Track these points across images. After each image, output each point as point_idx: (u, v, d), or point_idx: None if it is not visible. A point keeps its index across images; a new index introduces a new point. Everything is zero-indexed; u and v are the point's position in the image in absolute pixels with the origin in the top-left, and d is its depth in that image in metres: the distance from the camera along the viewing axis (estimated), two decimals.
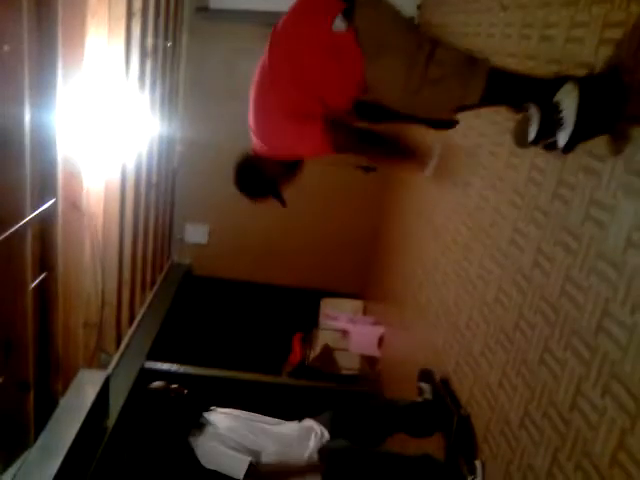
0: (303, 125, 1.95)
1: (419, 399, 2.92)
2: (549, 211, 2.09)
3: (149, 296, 4.78)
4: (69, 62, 2.60)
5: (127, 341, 4.13)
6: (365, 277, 5.46)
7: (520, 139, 2.02)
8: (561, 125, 1.73)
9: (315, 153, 2.05)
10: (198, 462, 2.57)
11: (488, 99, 1.86)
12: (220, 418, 2.74)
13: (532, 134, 1.87)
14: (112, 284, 3.76)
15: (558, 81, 1.77)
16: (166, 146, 4.77)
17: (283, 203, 2.28)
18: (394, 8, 1.92)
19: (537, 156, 2.23)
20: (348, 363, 4.83)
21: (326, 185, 5.08)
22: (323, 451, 2.68)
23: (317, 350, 4.81)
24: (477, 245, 2.78)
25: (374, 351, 4.59)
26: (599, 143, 1.80)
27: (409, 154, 2.75)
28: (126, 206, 3.83)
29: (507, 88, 1.87)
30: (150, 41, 3.89)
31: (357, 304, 5.35)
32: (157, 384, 2.80)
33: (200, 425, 2.66)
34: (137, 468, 3.09)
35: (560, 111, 1.72)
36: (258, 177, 2.24)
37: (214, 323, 5.15)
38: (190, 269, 5.61)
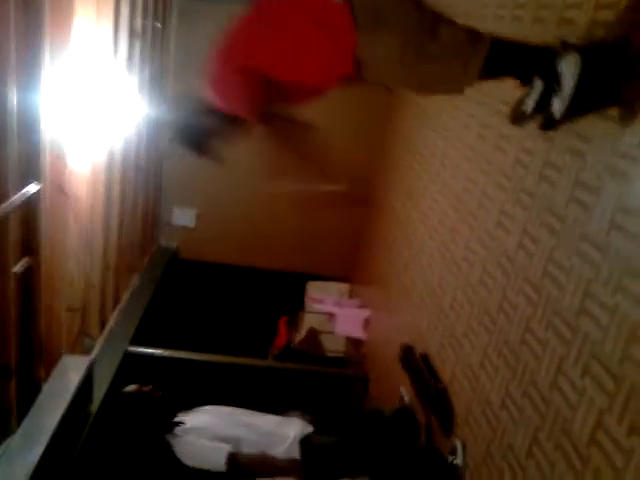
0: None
1: (402, 404, 2.96)
2: (535, 193, 2.11)
3: (134, 280, 4.76)
4: (56, 42, 2.55)
5: (111, 325, 4.12)
6: (351, 260, 5.48)
7: (517, 115, 1.96)
8: (559, 93, 1.68)
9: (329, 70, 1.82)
10: (179, 461, 2.57)
11: (489, 74, 1.80)
12: (198, 415, 2.74)
13: (529, 105, 1.81)
14: (97, 267, 3.74)
15: (561, 50, 1.71)
16: (154, 130, 4.72)
17: (218, 159, 2.10)
18: None
19: (526, 138, 2.24)
20: (333, 346, 4.86)
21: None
22: (304, 441, 2.68)
23: (303, 333, 4.84)
24: (464, 227, 2.80)
25: (359, 334, 4.62)
26: (586, 124, 1.82)
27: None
28: (113, 189, 3.80)
29: (509, 61, 1.79)
30: (139, 22, 3.84)
31: (343, 287, 5.37)
32: (130, 388, 2.79)
33: (177, 424, 2.65)
34: (118, 471, 3.08)
35: (560, 79, 1.67)
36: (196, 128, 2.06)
37: (200, 307, 5.14)
38: (176, 252, 5.59)
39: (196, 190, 5.34)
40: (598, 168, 1.75)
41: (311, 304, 5.05)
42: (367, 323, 4.63)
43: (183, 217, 5.48)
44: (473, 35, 1.77)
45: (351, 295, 5.32)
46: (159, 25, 4.40)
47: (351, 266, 5.48)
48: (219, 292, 5.32)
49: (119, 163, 3.85)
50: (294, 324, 5.03)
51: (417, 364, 2.92)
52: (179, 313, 4.92)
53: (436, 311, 3.00)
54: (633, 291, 1.52)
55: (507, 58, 1.79)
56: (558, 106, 1.71)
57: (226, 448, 2.54)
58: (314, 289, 5.28)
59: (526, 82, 1.85)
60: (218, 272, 5.43)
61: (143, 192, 4.65)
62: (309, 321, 4.90)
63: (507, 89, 2.21)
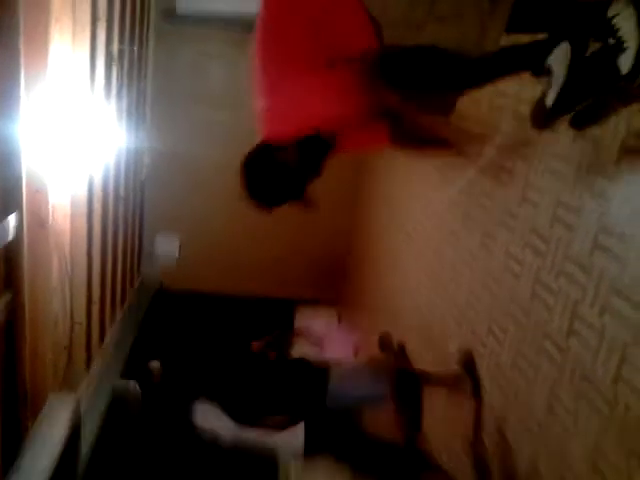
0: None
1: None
2: (518, 214, 2.11)
3: (120, 313, 4.69)
4: (32, 71, 2.52)
5: (98, 361, 4.04)
6: (340, 284, 5.45)
7: (539, 114, 1.63)
8: (621, 49, 1.36)
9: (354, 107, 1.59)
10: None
11: (513, 31, 1.51)
12: None
13: (552, 94, 1.50)
14: (81, 303, 3.68)
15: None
16: (134, 156, 4.69)
17: (309, 204, 1.76)
18: None
19: (506, 160, 2.25)
20: None
21: None
22: None
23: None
24: (448, 249, 2.79)
25: (350, 359, 4.57)
26: (566, 145, 1.83)
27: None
28: (94, 221, 3.75)
29: (538, 13, 1.52)
30: (116, 47, 3.83)
31: (332, 312, 5.34)
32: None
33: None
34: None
35: (616, 31, 1.36)
36: (280, 171, 1.70)
37: (188, 337, 5.07)
38: (161, 283, 5.52)
39: (179, 217, 5.30)
40: (578, 188, 1.75)
41: (300, 330, 5.00)
42: (357, 348, 4.58)
43: (166, 246, 5.43)
44: None
45: (340, 319, 5.28)
46: (137, 49, 4.39)
47: (340, 290, 5.45)
48: (207, 321, 5.25)
49: (99, 194, 3.81)
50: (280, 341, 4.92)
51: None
52: (167, 344, 4.84)
53: (425, 334, 2.98)
54: (620, 311, 1.51)
55: (536, 11, 1.51)
56: (625, 64, 1.40)
57: None
58: (303, 315, 5.23)
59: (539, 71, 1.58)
60: (204, 301, 5.36)
61: (124, 222, 4.60)
62: (299, 348, 4.85)
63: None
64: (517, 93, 2.16)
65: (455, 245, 2.71)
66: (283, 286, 5.42)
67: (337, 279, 5.44)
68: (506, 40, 1.51)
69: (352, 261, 5.21)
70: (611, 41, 1.35)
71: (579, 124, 1.66)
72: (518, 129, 2.17)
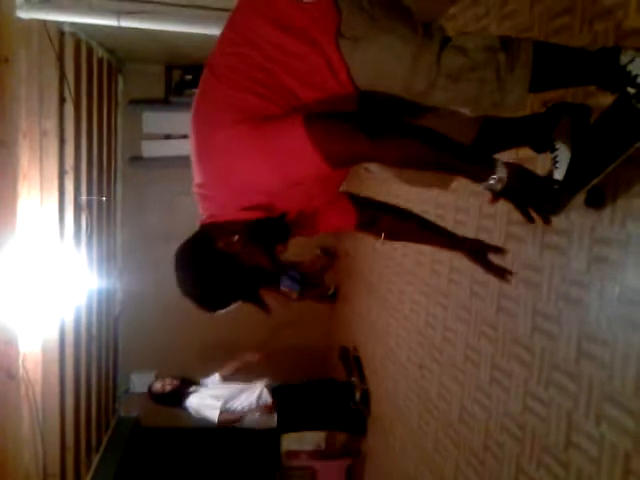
0: (271, 126, 1.22)
1: None
2: (496, 324, 2.12)
3: (95, 459, 4.43)
4: (1, 230, 2.56)
5: None
6: None
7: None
8: None
9: (303, 172, 1.24)
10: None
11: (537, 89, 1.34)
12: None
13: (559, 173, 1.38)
14: (54, 452, 3.49)
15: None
16: (105, 296, 4.65)
17: (265, 307, 1.39)
18: None
19: (476, 268, 2.29)
20: None
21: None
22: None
23: None
24: (434, 365, 2.76)
25: None
26: (534, 255, 1.88)
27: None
28: (66, 365, 3.65)
29: (562, 72, 1.35)
30: (84, 197, 3.91)
31: (319, 435, 5.12)
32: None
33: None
34: None
35: (635, 77, 1.27)
36: (227, 265, 1.33)
37: (168, 476, 4.79)
38: (138, 421, 5.28)
39: (153, 352, 5.18)
40: (552, 297, 1.78)
41: (289, 460, 4.76)
42: (350, 471, 4.37)
43: (142, 383, 5.24)
44: (505, 38, 1.31)
45: (328, 441, 5.06)
46: (105, 199, 4.49)
47: None
48: (188, 458, 4.98)
49: (71, 337, 3.73)
50: None
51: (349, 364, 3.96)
52: None
53: (420, 454, 2.86)
54: (615, 419, 1.49)
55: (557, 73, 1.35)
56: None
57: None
58: (289, 442, 5.00)
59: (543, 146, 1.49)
60: (185, 436, 5.11)
61: (97, 362, 4.47)
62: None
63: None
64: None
65: (439, 360, 2.68)
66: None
67: None
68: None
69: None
70: (631, 90, 1.29)
71: (598, 201, 1.52)
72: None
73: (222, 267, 1.33)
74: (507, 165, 1.23)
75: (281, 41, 1.26)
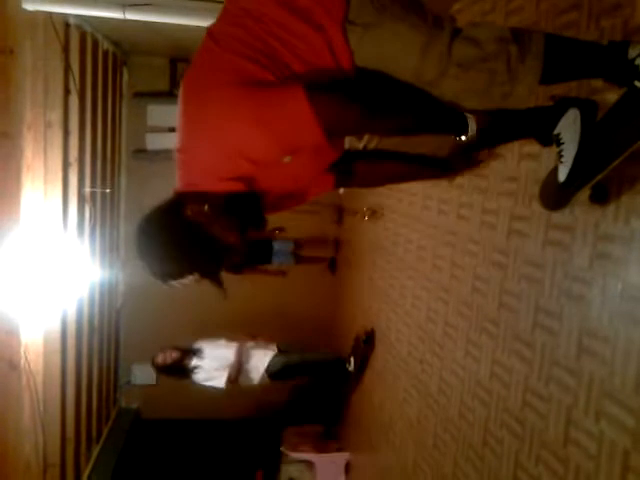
0: (267, 92, 1.21)
1: None
2: (498, 320, 2.12)
3: (96, 450, 4.45)
4: (4, 221, 2.57)
5: None
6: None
7: (550, 194, 1.50)
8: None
9: (299, 140, 1.25)
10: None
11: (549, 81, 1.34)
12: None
13: (565, 168, 1.36)
14: (55, 443, 3.50)
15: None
16: (108, 287, 4.67)
17: (221, 286, 1.38)
18: None
19: (479, 265, 2.30)
20: None
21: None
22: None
23: None
24: (434, 359, 2.77)
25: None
26: (536, 251, 1.88)
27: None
28: (67, 356, 3.66)
29: (574, 64, 1.35)
30: (88, 188, 3.92)
31: (319, 430, 5.14)
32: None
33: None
34: None
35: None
36: (189, 234, 1.31)
37: (169, 468, 4.80)
38: (139, 413, 5.30)
39: (155, 344, 5.19)
40: (554, 293, 1.78)
41: (288, 452, 4.78)
42: (348, 467, 4.38)
43: (143, 375, 5.26)
44: (516, 30, 1.31)
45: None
46: (108, 191, 4.51)
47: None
48: (189, 450, 5.00)
49: (73, 328, 3.75)
50: (272, 477, 4.72)
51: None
52: (148, 477, 4.58)
53: (419, 448, 2.87)
54: (615, 416, 1.49)
55: (568, 65, 1.35)
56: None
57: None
58: (290, 435, 5.03)
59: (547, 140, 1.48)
60: (185, 428, 5.14)
61: (99, 354, 4.49)
62: (287, 471, 4.62)
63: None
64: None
65: (440, 354, 2.68)
66: (269, 405, 5.24)
67: None
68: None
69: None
70: (638, 84, 1.28)
71: (602, 197, 1.52)
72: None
73: (184, 235, 1.30)
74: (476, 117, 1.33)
75: (285, 20, 1.27)
